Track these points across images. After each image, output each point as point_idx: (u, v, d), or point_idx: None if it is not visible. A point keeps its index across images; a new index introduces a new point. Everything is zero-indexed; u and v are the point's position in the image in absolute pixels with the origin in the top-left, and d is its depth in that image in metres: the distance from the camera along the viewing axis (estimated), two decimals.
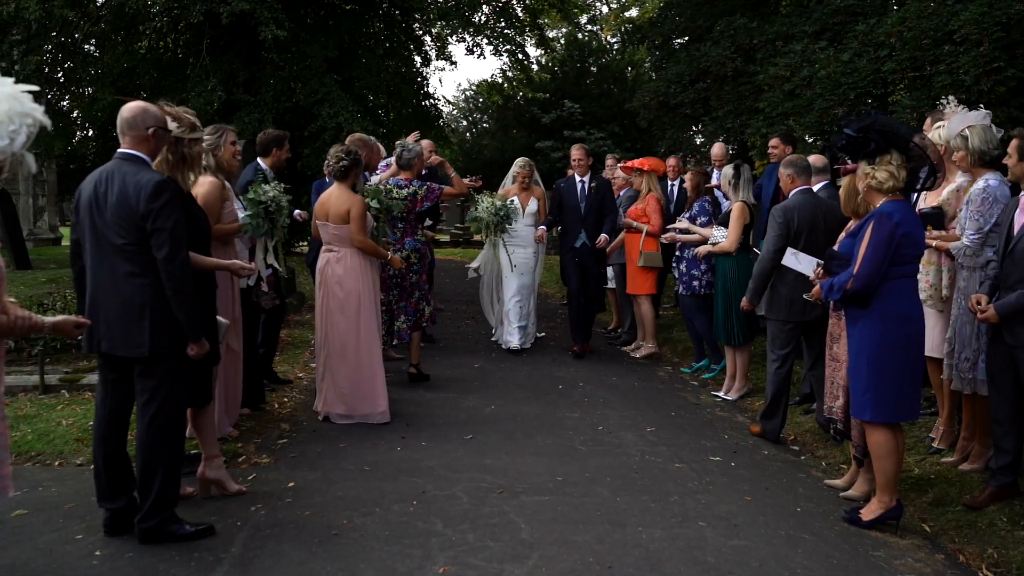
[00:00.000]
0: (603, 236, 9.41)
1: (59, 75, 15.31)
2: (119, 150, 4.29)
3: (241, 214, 6.09)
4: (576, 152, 9.73)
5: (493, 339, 10.20)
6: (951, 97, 6.62)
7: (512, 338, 9.63)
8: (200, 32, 14.75)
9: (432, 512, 4.84)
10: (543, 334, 10.66)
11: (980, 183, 5.42)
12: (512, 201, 9.44)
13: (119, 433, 4.41)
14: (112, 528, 4.35)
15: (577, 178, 9.60)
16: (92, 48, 15.96)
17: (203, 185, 5.40)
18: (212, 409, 5.03)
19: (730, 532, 4.67)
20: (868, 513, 4.89)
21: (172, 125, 4.58)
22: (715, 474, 5.70)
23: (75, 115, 17.06)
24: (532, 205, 9.64)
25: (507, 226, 9.21)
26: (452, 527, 4.60)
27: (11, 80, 3.30)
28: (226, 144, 5.86)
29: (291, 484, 5.25)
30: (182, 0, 13.76)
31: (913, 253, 4.71)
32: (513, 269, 9.45)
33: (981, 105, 6.86)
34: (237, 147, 5.99)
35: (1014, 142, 5.09)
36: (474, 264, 10.32)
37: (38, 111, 3.33)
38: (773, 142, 8.91)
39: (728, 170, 7.91)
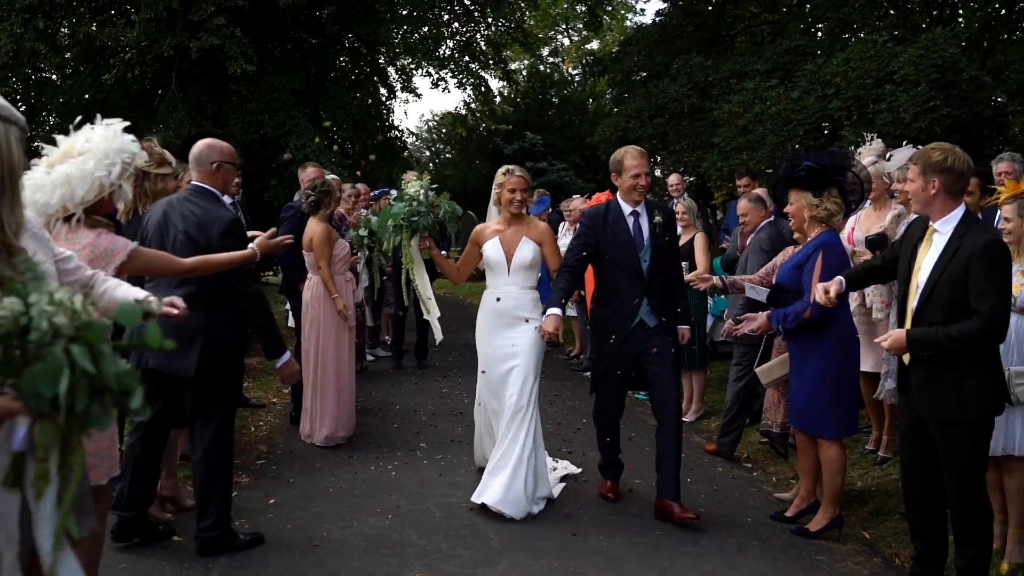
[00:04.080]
0: (684, 329, 5.63)
1: (21, 107, 15.46)
2: (192, 182, 4.70)
3: None
4: (632, 159, 5.50)
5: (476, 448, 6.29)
6: (874, 135, 7.18)
7: (495, 493, 5.34)
8: (169, 65, 14.97)
9: (407, 524, 5.15)
10: (565, 473, 6.29)
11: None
12: (432, 190, 6.11)
13: (152, 447, 4.67)
14: (119, 535, 4.59)
15: (625, 207, 5.56)
16: (57, 79, 16.13)
17: None
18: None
19: (684, 540, 5.04)
20: (815, 524, 5.28)
21: (141, 158, 4.88)
22: None
23: (36, 145, 17.13)
24: (526, 250, 5.67)
25: (424, 224, 5.97)
26: (427, 537, 4.91)
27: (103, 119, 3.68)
28: (181, 182, 6.13)
29: (271, 501, 5.54)
30: (152, 34, 14.02)
31: None
32: (483, 373, 5.81)
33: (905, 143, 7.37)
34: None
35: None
36: (431, 316, 6.29)
37: (134, 145, 3.69)
38: (744, 181, 9.34)
39: (693, 203, 8.38)
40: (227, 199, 7.27)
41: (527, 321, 5.65)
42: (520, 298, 5.70)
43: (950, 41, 10.24)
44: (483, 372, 5.78)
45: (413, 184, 6.09)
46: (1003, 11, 13.94)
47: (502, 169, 5.85)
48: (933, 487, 4.27)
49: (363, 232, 7.81)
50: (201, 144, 4.72)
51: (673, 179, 11.03)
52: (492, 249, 5.72)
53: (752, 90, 11.69)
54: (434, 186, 6.08)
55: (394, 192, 8.03)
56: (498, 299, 5.72)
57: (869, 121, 10.22)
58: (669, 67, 14.33)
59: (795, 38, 14.21)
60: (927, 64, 9.76)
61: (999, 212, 6.96)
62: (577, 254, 5.59)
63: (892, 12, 14.73)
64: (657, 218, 5.54)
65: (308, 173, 8.35)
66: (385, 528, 5.10)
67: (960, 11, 16.38)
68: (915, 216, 5.77)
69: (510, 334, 5.64)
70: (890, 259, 4.51)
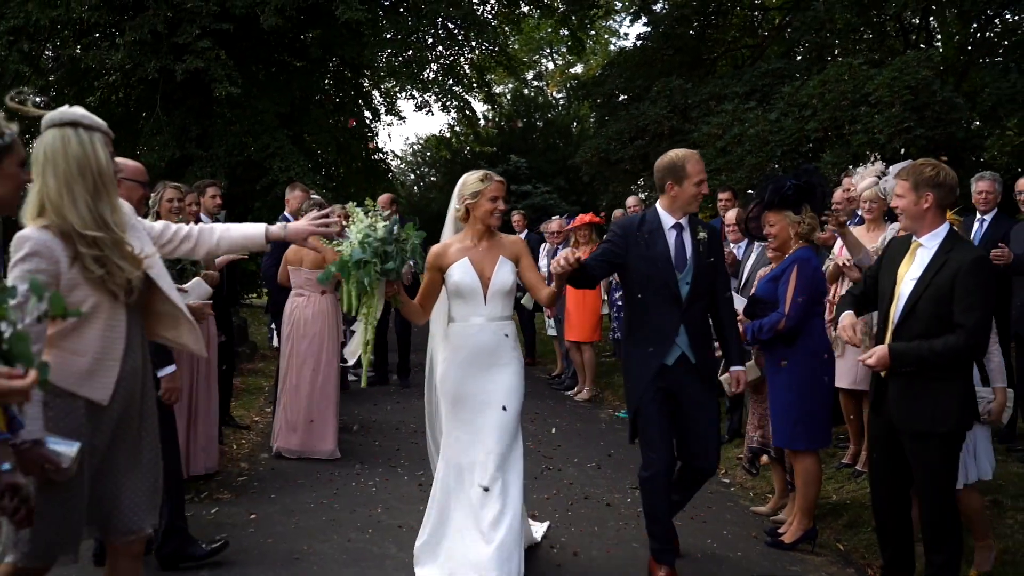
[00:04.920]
0: (737, 371, 4.92)
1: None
2: None
3: None
4: (695, 164, 4.69)
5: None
6: (876, 155, 7.30)
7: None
8: (154, 87, 15.07)
9: (387, 539, 5.21)
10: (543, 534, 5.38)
11: None
12: (394, 220, 4.54)
13: None
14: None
15: (667, 219, 4.70)
16: (40, 101, 16.16)
17: None
18: None
19: None
20: (790, 536, 5.35)
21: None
22: None
23: None
24: (505, 272, 4.67)
25: (397, 267, 4.43)
26: (406, 551, 4.94)
27: None
28: (162, 200, 6.18)
29: (252, 516, 5.58)
30: (137, 57, 14.11)
31: (823, 293, 5.28)
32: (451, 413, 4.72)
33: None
34: (174, 202, 6.19)
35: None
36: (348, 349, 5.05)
37: None
38: (727, 195, 9.38)
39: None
40: (204, 219, 7.46)
41: (507, 360, 4.68)
42: (499, 332, 4.66)
43: (923, 64, 10.43)
44: (451, 425, 4.69)
45: (378, 223, 4.43)
46: (978, 35, 14.19)
47: (477, 174, 4.68)
48: (901, 498, 4.36)
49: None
50: None
51: (631, 201, 11.16)
52: (462, 273, 4.60)
53: (731, 112, 11.88)
54: (387, 213, 4.60)
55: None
56: (472, 334, 4.63)
57: (845, 142, 10.41)
58: (650, 90, 14.52)
59: (773, 61, 14.43)
60: (901, 86, 9.96)
61: (975, 225, 7.15)
62: (600, 257, 4.77)
63: (869, 35, 14.98)
64: (701, 234, 4.68)
65: (296, 195, 8.47)
66: (365, 542, 5.15)
67: (939, 35, 16.71)
68: (892, 236, 5.90)
69: (487, 378, 4.61)
70: (872, 282, 4.52)
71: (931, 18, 15.42)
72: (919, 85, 9.93)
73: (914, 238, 4.20)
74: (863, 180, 6.29)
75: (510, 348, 4.71)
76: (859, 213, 6.53)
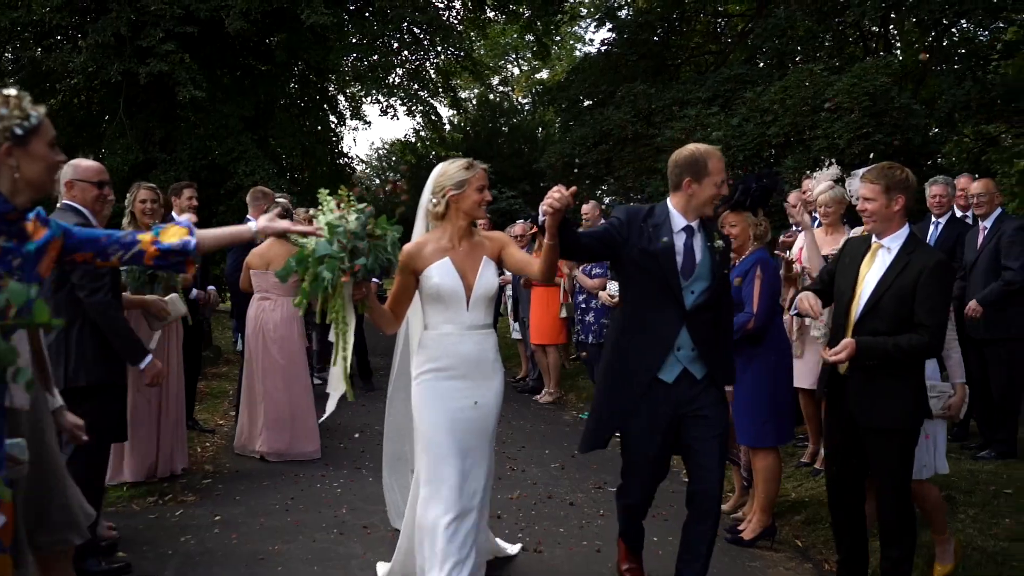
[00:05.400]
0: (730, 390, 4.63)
1: None
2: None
3: None
4: (717, 161, 4.17)
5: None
6: (832, 160, 7.46)
7: None
8: (117, 91, 14.97)
9: (352, 539, 5.24)
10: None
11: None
12: (368, 213, 3.92)
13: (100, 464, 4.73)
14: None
15: (677, 219, 4.17)
16: None
17: None
18: None
19: None
20: (749, 532, 5.45)
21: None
22: (612, 502, 6.18)
23: None
24: (490, 274, 4.18)
25: (372, 266, 3.86)
26: (371, 550, 5.00)
27: None
28: (136, 201, 6.18)
29: (217, 517, 5.59)
30: (100, 59, 14.00)
31: (779, 294, 5.42)
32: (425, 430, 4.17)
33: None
34: (147, 204, 6.19)
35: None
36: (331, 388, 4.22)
37: None
38: None
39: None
40: (178, 221, 7.48)
41: (491, 373, 4.24)
42: (483, 342, 4.19)
43: (881, 71, 10.66)
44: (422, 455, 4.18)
45: (350, 214, 3.85)
46: (935, 43, 14.47)
47: (459, 162, 4.16)
48: (857, 493, 4.47)
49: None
50: (66, 164, 4.76)
51: (586, 208, 10.99)
52: (442, 275, 4.06)
53: (694, 117, 12.04)
54: (362, 206, 3.90)
55: None
56: (451, 344, 4.11)
57: (806, 147, 10.60)
58: (614, 95, 14.66)
59: (736, 67, 14.63)
60: (859, 92, 10.18)
61: (930, 228, 7.33)
62: (594, 234, 4.27)
63: (829, 43, 15.24)
64: (719, 242, 4.24)
65: (259, 203, 8.46)
66: (330, 542, 5.18)
67: (898, 43, 17.02)
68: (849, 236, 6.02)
69: (469, 395, 4.14)
70: (828, 280, 4.58)
71: (891, 26, 15.72)
72: (877, 92, 10.15)
73: (875, 239, 4.29)
74: (819, 184, 6.42)
75: (493, 359, 4.24)
76: (816, 216, 6.64)
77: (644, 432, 4.15)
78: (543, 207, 3.73)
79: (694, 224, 4.17)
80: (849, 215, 6.26)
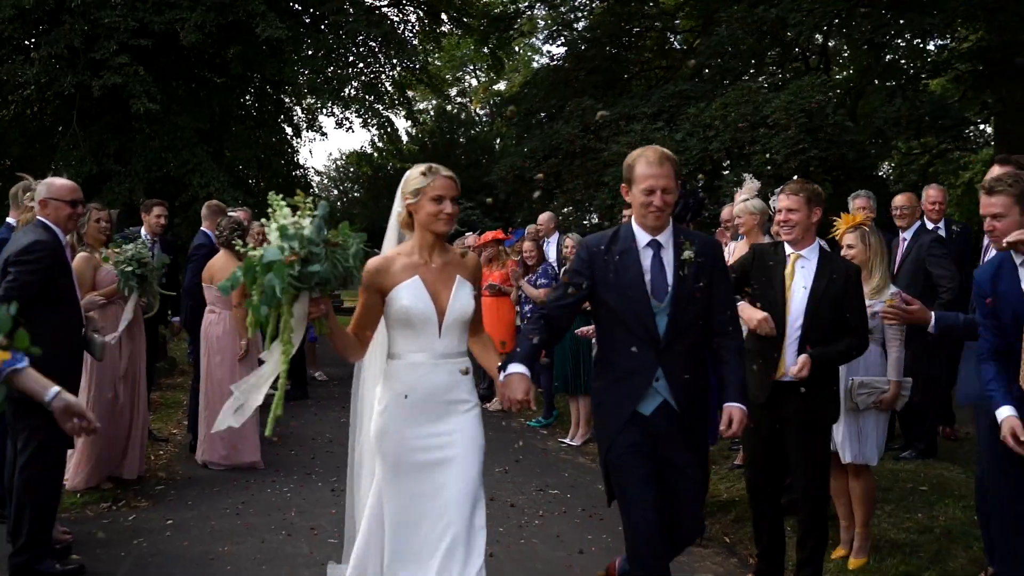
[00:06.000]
0: (732, 408, 3.83)
1: None
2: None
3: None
4: (646, 165, 3.77)
5: None
6: (750, 174, 7.81)
7: None
8: (70, 102, 14.97)
9: (300, 540, 5.49)
10: None
11: None
12: (325, 209, 3.41)
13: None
14: None
15: (641, 236, 3.84)
16: None
17: (76, 260, 6.02)
18: None
19: (557, 547, 5.49)
20: None
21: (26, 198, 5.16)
22: (552, 504, 6.51)
23: None
24: (464, 295, 3.68)
25: (331, 277, 3.32)
26: (318, 550, 5.24)
27: None
28: (90, 222, 6.37)
29: (169, 521, 5.81)
30: (53, 71, 14.02)
31: None
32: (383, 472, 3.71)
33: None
34: (102, 223, 6.46)
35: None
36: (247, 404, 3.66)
37: None
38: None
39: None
40: (147, 236, 7.76)
41: (465, 402, 3.70)
42: (455, 369, 3.66)
43: (818, 88, 11.10)
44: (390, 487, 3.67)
45: (307, 218, 3.35)
46: (869, 62, 14.99)
47: (419, 168, 3.70)
48: (777, 488, 4.87)
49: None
50: (41, 183, 4.95)
51: (543, 218, 11.14)
52: (413, 296, 3.57)
53: (639, 132, 12.39)
54: (318, 212, 3.38)
55: None
56: (421, 376, 3.60)
57: (746, 162, 10.99)
58: (563, 109, 14.99)
59: (681, 83, 15.03)
60: (796, 109, 10.62)
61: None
62: (561, 297, 3.92)
63: (772, 61, 15.72)
64: (687, 253, 3.77)
65: (212, 217, 8.65)
66: (279, 543, 5.42)
67: (840, 58, 17.57)
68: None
69: (439, 428, 3.62)
70: (742, 277, 4.76)
71: (830, 42, 16.23)
72: (813, 109, 10.59)
73: (792, 251, 4.60)
74: (739, 196, 6.77)
75: (468, 388, 3.71)
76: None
77: (631, 463, 3.80)
78: (505, 405, 3.60)
79: (660, 238, 3.79)
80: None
